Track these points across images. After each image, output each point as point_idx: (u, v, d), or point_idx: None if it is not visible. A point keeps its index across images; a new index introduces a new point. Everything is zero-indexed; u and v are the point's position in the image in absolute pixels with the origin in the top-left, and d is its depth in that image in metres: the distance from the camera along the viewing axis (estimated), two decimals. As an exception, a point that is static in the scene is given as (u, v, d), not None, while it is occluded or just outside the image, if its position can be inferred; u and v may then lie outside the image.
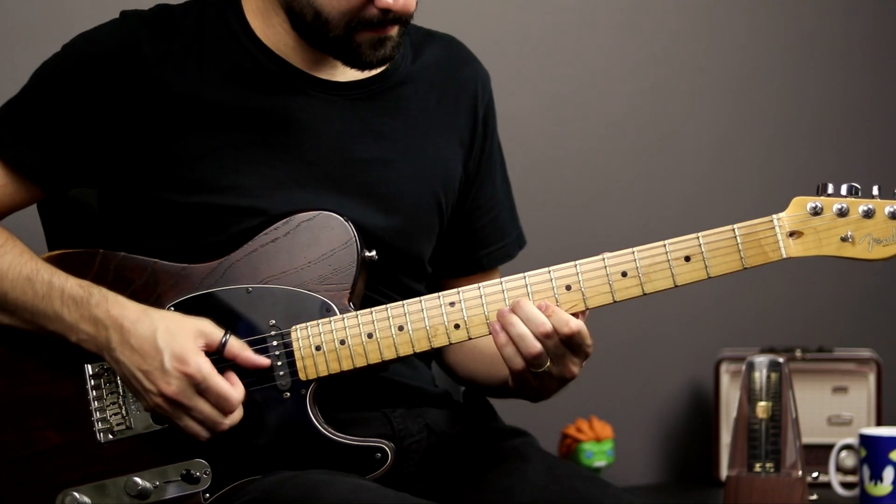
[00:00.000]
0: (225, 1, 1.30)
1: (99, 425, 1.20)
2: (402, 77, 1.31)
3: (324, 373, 1.18)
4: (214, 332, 1.17)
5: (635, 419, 2.09)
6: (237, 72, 1.25)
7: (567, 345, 1.12)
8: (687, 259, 1.14)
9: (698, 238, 1.14)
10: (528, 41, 2.14)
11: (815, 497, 1.56)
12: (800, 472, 1.54)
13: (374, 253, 1.21)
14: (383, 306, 1.18)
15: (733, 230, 1.14)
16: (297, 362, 1.18)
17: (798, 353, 1.93)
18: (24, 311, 1.21)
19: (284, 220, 1.20)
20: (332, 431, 1.18)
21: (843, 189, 1.14)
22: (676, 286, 1.15)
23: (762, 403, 1.57)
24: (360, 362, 1.17)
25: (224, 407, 1.15)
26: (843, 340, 2.04)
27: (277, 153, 1.24)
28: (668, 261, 1.14)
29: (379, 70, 1.29)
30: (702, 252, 1.14)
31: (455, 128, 1.34)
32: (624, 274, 1.15)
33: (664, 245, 1.15)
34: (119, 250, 1.25)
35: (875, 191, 1.15)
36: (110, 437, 1.19)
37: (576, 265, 1.15)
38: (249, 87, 1.25)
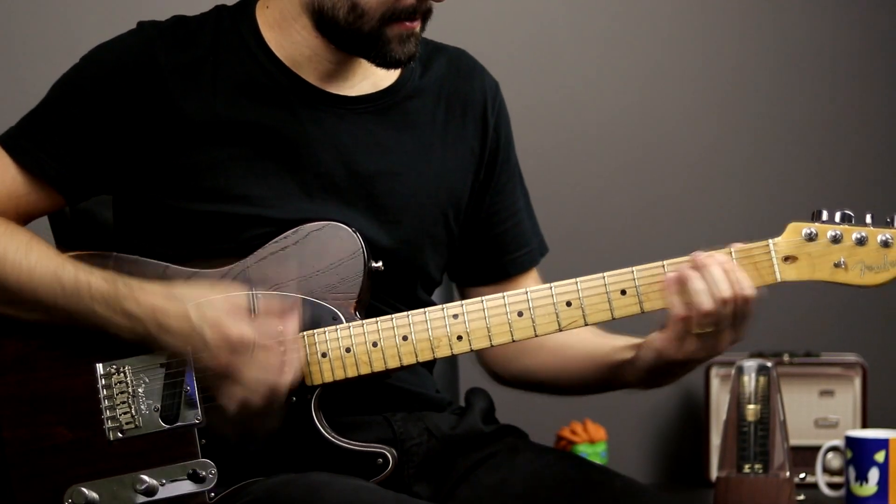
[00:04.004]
0: (239, 13, 1.30)
1: (108, 423, 1.20)
2: (410, 91, 1.31)
3: (329, 379, 1.19)
4: (242, 298, 1.17)
5: (628, 422, 2.09)
6: (249, 85, 1.26)
7: (736, 311, 1.12)
8: None
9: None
10: (524, 52, 2.14)
11: (802, 497, 1.60)
12: (787, 473, 1.57)
13: (380, 264, 1.22)
14: (388, 316, 1.19)
15: (730, 252, 1.16)
16: (304, 368, 1.19)
17: (786, 358, 1.95)
18: (56, 309, 1.21)
19: (294, 230, 1.20)
20: (336, 437, 1.19)
21: (837, 216, 1.16)
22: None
23: (751, 406, 1.61)
24: (365, 370, 1.18)
25: (279, 361, 1.13)
26: (829, 345, 2.06)
27: (287, 165, 1.25)
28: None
29: (389, 83, 1.29)
30: None
31: (463, 139, 1.34)
32: (623, 292, 1.16)
33: (662, 265, 1.17)
34: (132, 255, 1.26)
35: (868, 219, 1.17)
36: (119, 435, 1.20)
37: (576, 282, 1.16)
38: (261, 100, 1.25)
